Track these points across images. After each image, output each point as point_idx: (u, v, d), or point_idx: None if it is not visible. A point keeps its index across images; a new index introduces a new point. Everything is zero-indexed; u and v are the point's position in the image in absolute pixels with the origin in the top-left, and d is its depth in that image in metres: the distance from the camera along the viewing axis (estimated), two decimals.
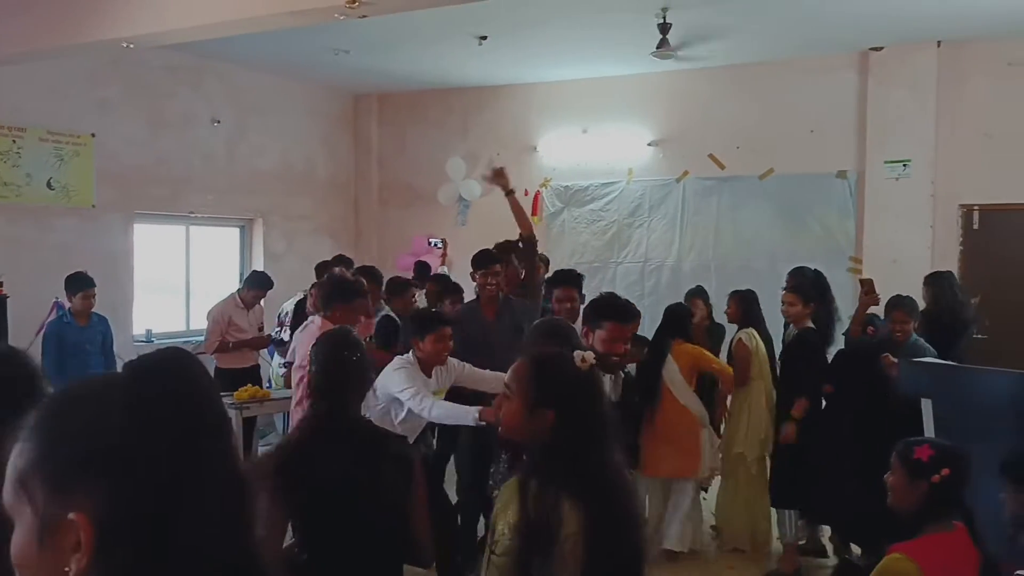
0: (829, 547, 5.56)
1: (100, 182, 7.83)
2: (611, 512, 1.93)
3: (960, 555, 2.47)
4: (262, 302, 7.21)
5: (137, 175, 8.12)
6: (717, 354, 5.95)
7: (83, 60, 7.38)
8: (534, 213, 9.42)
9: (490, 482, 2.84)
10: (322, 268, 7.26)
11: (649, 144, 9.02)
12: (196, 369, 0.99)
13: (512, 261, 5.74)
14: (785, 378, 5.40)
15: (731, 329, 6.01)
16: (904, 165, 7.79)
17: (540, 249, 8.63)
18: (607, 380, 3.48)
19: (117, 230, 8.03)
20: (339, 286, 5.09)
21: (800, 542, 5.37)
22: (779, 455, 5.28)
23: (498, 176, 5.49)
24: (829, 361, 5.46)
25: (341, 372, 2.68)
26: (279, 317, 7.33)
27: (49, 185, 7.50)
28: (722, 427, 5.86)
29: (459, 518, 5.01)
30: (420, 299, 6.98)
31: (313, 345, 2.84)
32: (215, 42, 6.84)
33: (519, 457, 2.06)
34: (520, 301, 5.36)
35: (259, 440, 7.53)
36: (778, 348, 5.75)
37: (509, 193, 5.44)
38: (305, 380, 3.37)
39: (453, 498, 5.15)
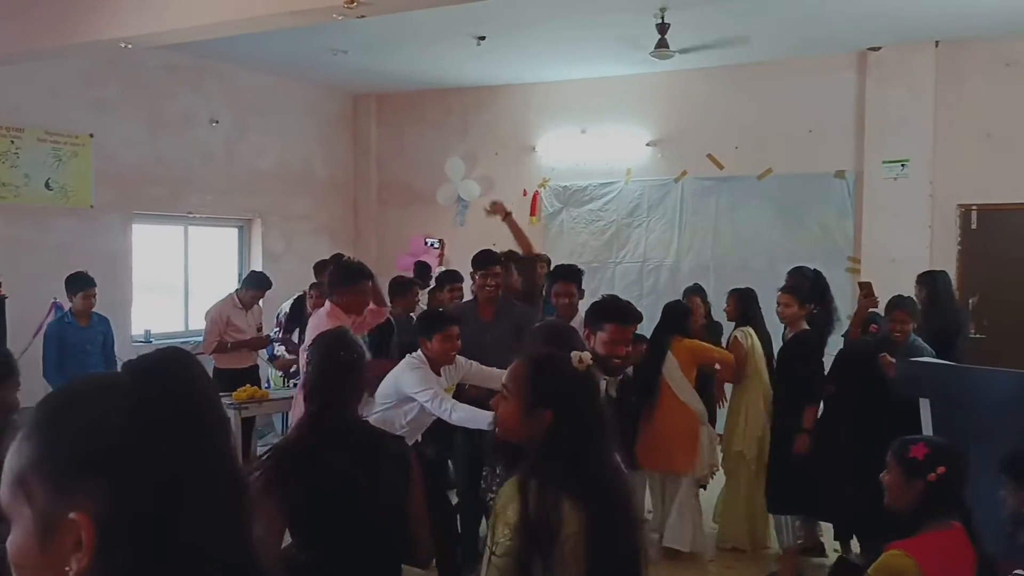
0: (829, 547, 5.57)
1: (98, 182, 7.82)
2: (610, 512, 1.94)
3: (958, 554, 2.48)
4: (260, 302, 7.20)
5: (135, 175, 8.11)
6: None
7: (81, 60, 7.38)
8: (532, 213, 9.43)
9: (482, 485, 2.84)
10: (320, 267, 7.25)
11: (647, 144, 9.02)
12: (195, 369, 0.99)
13: (512, 271, 5.74)
14: (781, 379, 5.39)
15: (729, 328, 6.01)
16: (902, 165, 7.80)
17: (540, 249, 8.69)
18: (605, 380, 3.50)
19: (115, 230, 8.02)
20: (342, 270, 5.10)
21: (798, 541, 5.37)
22: (775, 459, 5.27)
23: (497, 209, 5.61)
24: (827, 362, 5.45)
25: (337, 373, 2.68)
26: (278, 317, 7.33)
27: (47, 185, 7.50)
28: (718, 413, 5.86)
29: (460, 520, 5.00)
30: (422, 298, 7.00)
31: (309, 345, 2.84)
32: (213, 42, 6.84)
33: (514, 459, 2.06)
34: (521, 305, 5.35)
35: (258, 440, 7.52)
36: (777, 347, 5.75)
37: (507, 216, 5.48)
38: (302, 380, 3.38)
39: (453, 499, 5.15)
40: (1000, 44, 7.45)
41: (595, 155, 9.23)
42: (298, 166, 9.80)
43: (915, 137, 7.75)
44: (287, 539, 2.54)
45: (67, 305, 6.48)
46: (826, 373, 5.39)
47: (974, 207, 7.70)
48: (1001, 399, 4.13)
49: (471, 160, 9.78)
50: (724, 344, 6.02)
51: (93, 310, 6.28)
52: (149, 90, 8.21)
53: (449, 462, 5.50)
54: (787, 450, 5.15)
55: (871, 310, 5.46)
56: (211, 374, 5.45)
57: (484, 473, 2.82)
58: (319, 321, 4.71)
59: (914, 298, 5.44)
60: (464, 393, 4.58)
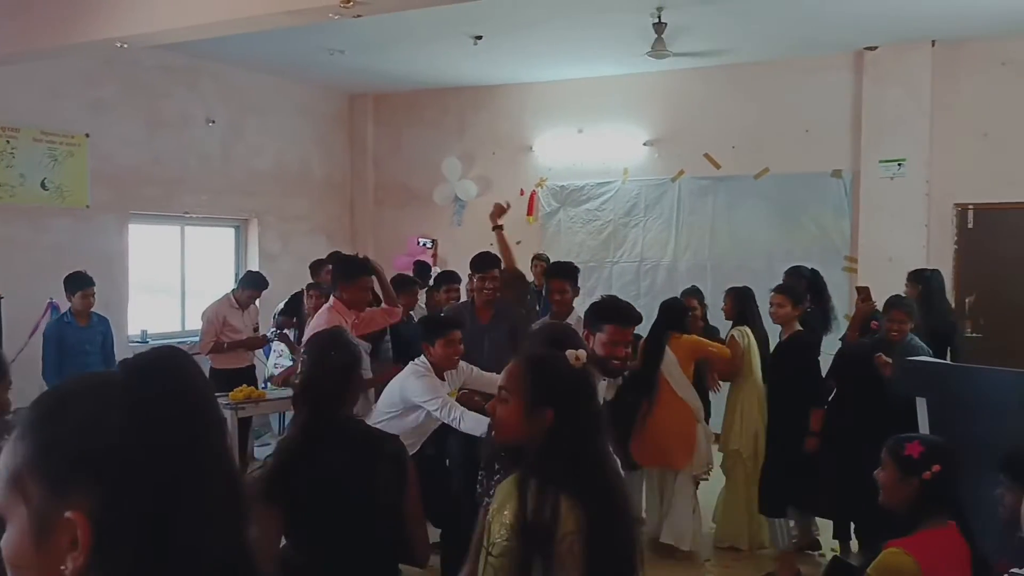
0: (827, 545, 5.57)
1: (94, 182, 7.81)
2: (608, 511, 1.93)
3: (953, 552, 2.48)
4: (257, 302, 7.19)
5: (131, 175, 8.10)
6: None
7: (77, 60, 7.36)
8: (530, 213, 9.44)
9: (478, 489, 2.83)
10: (316, 267, 7.26)
11: (644, 144, 9.02)
12: (191, 369, 0.99)
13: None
14: (773, 382, 5.38)
15: (726, 332, 6.01)
16: (899, 164, 7.81)
17: (537, 248, 8.70)
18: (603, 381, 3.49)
19: (112, 230, 8.01)
20: (343, 265, 5.11)
21: (792, 541, 5.37)
22: (768, 463, 5.27)
23: (499, 213, 5.58)
24: (823, 362, 5.45)
25: (329, 373, 2.67)
26: (274, 317, 7.32)
27: (43, 185, 7.48)
28: (713, 411, 5.88)
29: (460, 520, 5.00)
30: (420, 297, 6.99)
31: (304, 345, 2.84)
32: (210, 42, 6.82)
33: (515, 461, 2.05)
34: (519, 311, 5.36)
35: (254, 440, 7.52)
36: (774, 346, 5.75)
37: (497, 228, 5.47)
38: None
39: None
40: (996, 43, 7.46)
41: (592, 155, 9.23)
42: (295, 166, 9.79)
43: (911, 136, 7.76)
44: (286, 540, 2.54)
45: (64, 305, 6.47)
46: (824, 374, 5.40)
47: (970, 206, 7.71)
48: (998, 398, 4.14)
49: (468, 160, 9.78)
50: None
51: (92, 310, 6.27)
52: (145, 90, 8.20)
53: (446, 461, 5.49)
54: (780, 453, 5.15)
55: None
56: (207, 374, 5.46)
57: (480, 477, 2.81)
58: (321, 319, 4.71)
59: (912, 300, 5.44)
60: (468, 402, 4.56)
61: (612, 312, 3.41)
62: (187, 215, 8.74)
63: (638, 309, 3.57)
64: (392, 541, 2.60)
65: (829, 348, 5.85)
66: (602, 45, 7.85)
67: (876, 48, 7.87)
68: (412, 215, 10.17)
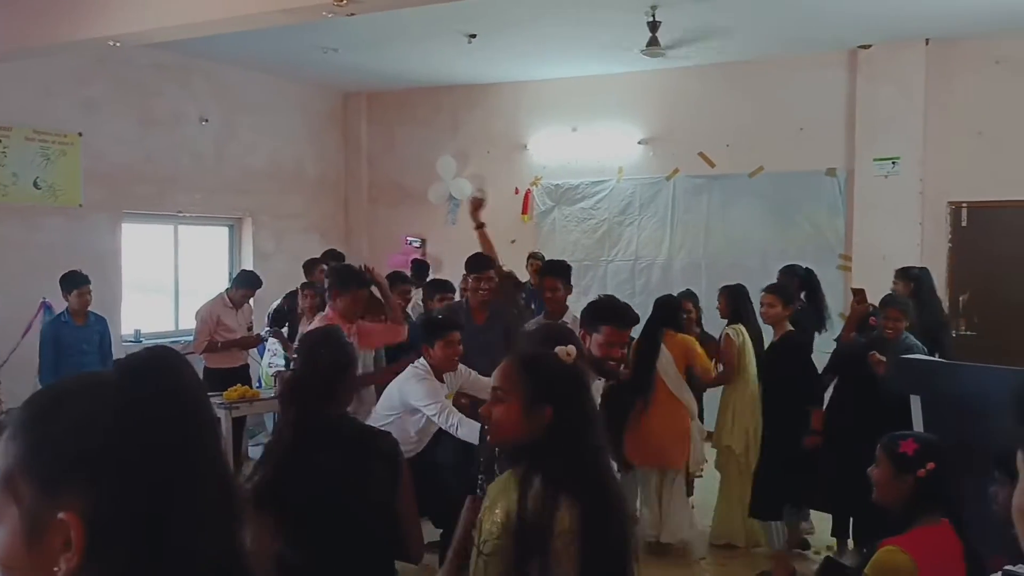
0: (824, 543, 5.58)
1: (87, 181, 7.78)
2: (603, 508, 1.93)
3: (947, 549, 2.49)
4: (251, 301, 7.18)
5: (124, 174, 8.07)
6: (712, 359, 5.89)
7: (69, 58, 7.33)
8: (524, 212, 9.43)
9: (478, 492, 2.82)
10: (310, 266, 7.24)
11: (639, 142, 9.03)
12: (185, 369, 0.99)
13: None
14: (767, 383, 5.38)
15: (720, 328, 6.01)
16: (893, 162, 7.82)
17: (532, 247, 8.70)
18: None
19: (104, 229, 7.98)
20: (336, 275, 5.07)
21: (785, 542, 5.38)
22: (761, 465, 5.27)
23: (476, 207, 5.46)
24: (816, 360, 5.46)
25: (320, 371, 2.67)
26: (268, 317, 7.31)
27: (36, 184, 7.45)
28: (706, 409, 5.87)
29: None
30: (415, 296, 6.98)
31: (297, 343, 2.84)
32: (202, 40, 6.80)
33: (515, 462, 2.04)
34: (513, 311, 5.34)
35: (249, 440, 7.51)
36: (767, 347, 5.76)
37: (479, 227, 5.41)
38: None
39: None
40: (990, 42, 7.47)
41: (587, 153, 9.23)
42: (288, 165, 9.77)
43: (906, 135, 7.77)
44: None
45: (56, 304, 6.45)
46: (820, 373, 5.42)
47: (964, 204, 7.72)
48: (992, 396, 4.14)
49: (462, 158, 9.77)
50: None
51: (89, 309, 6.25)
52: (138, 88, 8.17)
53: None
54: (776, 453, 5.16)
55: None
56: (201, 374, 5.43)
57: (480, 480, 2.81)
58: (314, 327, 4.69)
59: (907, 299, 5.45)
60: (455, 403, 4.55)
61: (609, 313, 3.40)
62: (180, 214, 8.71)
63: (633, 308, 3.56)
64: (387, 539, 2.59)
65: (825, 347, 5.86)
66: (596, 43, 7.85)
67: (870, 46, 7.88)
68: (406, 214, 10.16)
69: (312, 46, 7.95)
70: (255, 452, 7.26)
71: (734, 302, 5.78)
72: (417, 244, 9.98)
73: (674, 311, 5.58)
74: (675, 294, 6.56)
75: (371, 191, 10.52)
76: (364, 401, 4.85)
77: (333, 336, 2.88)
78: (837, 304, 7.17)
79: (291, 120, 9.79)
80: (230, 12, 5.06)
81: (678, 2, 6.54)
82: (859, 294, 5.61)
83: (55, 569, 0.86)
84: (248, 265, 8.87)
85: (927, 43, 7.69)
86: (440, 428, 4.32)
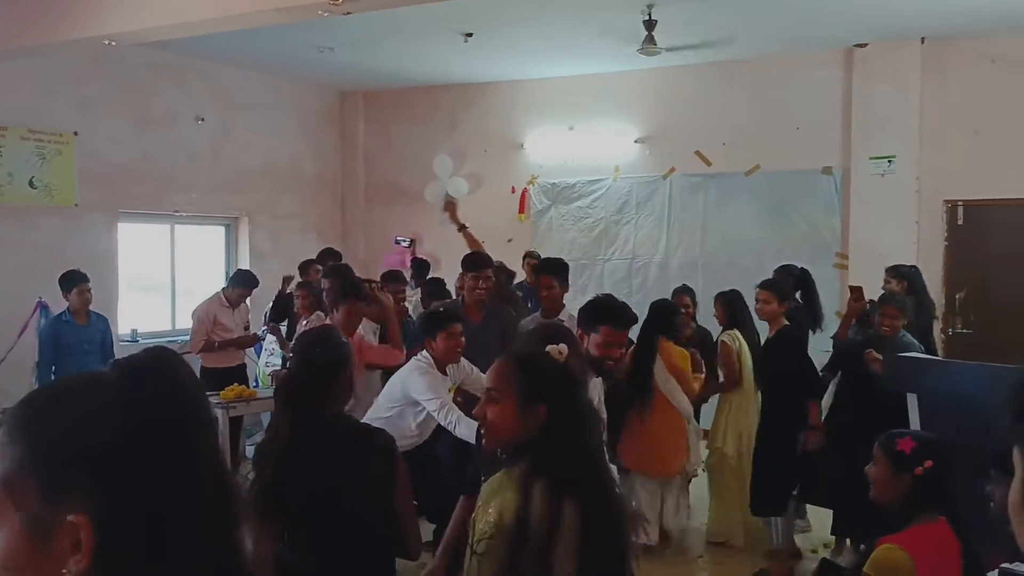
0: (822, 541, 5.59)
1: (83, 181, 7.76)
2: (602, 507, 1.93)
3: (944, 547, 2.50)
4: (247, 301, 7.17)
5: (120, 174, 8.05)
6: (712, 359, 5.89)
7: (65, 58, 7.31)
8: (521, 211, 9.43)
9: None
10: (306, 266, 7.24)
11: (636, 141, 9.03)
12: (183, 369, 0.99)
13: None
14: (764, 378, 5.39)
15: (717, 333, 6.01)
16: (889, 161, 7.83)
17: (528, 246, 8.70)
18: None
19: (101, 229, 7.97)
20: (335, 282, 5.05)
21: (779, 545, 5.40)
22: (759, 461, 5.27)
23: (451, 211, 5.45)
24: (813, 358, 5.47)
25: (315, 370, 2.66)
26: (265, 316, 7.30)
27: (31, 184, 7.44)
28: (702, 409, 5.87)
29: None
30: (414, 296, 6.98)
31: (293, 342, 2.84)
32: (198, 39, 6.79)
33: (512, 461, 2.04)
34: (509, 311, 5.34)
35: (246, 439, 7.50)
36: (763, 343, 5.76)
37: (461, 228, 5.39)
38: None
39: None
40: (985, 40, 7.48)
41: (583, 152, 9.23)
42: (285, 164, 9.75)
43: (901, 133, 7.78)
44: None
45: (53, 304, 6.43)
46: (820, 371, 5.43)
47: (960, 202, 7.74)
48: (988, 394, 4.15)
49: (459, 157, 9.75)
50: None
51: (91, 308, 6.24)
52: (134, 88, 8.15)
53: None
54: (775, 449, 5.16)
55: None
56: (198, 373, 5.43)
57: (482, 481, 2.81)
58: None
59: (905, 297, 5.46)
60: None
61: (608, 313, 3.40)
62: (177, 213, 8.69)
63: (631, 307, 3.56)
64: (386, 536, 2.59)
65: (822, 346, 5.87)
66: (593, 42, 7.84)
67: (866, 45, 7.88)
68: (403, 213, 10.14)
69: (308, 45, 7.94)
70: (252, 452, 7.25)
71: (730, 308, 5.77)
72: (407, 244, 9.96)
73: (669, 315, 5.56)
74: (671, 288, 6.57)
75: (368, 190, 10.50)
76: (360, 399, 4.84)
77: (329, 336, 2.88)
78: (834, 302, 7.18)
79: (287, 119, 9.78)
80: (226, 11, 5.05)
81: (674, 1, 6.54)
82: (856, 292, 5.63)
83: (64, 572, 0.86)
84: (244, 264, 8.86)
85: (923, 42, 7.70)
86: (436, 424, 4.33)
